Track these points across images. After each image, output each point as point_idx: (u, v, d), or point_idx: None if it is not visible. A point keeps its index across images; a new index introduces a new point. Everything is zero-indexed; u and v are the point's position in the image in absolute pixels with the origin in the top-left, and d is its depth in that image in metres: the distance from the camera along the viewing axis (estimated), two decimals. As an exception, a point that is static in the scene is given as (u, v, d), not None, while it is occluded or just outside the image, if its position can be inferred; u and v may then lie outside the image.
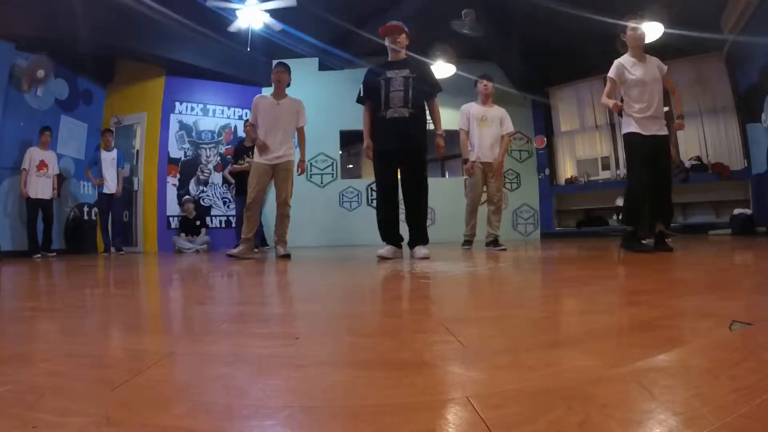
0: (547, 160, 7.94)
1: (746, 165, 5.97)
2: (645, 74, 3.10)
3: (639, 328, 0.88)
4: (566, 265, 2.54)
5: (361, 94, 3.52)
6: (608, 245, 3.34)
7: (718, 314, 0.93)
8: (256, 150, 3.99)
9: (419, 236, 3.40)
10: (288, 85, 4.07)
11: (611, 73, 3.18)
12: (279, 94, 4.02)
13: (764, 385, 0.53)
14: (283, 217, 4.01)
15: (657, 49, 5.71)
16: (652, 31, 5.19)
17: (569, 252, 3.53)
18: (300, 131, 4.08)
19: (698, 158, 6.45)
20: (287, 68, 4.08)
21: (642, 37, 3.16)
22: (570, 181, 7.76)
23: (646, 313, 1.04)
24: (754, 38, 5.02)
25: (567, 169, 7.98)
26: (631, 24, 3.15)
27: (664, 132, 3.15)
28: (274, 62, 4.19)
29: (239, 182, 5.53)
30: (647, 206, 3.16)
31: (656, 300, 1.24)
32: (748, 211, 5.58)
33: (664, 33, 5.15)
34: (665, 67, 3.20)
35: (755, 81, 5.27)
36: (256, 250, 5.38)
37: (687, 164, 6.41)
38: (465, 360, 0.71)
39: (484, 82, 4.60)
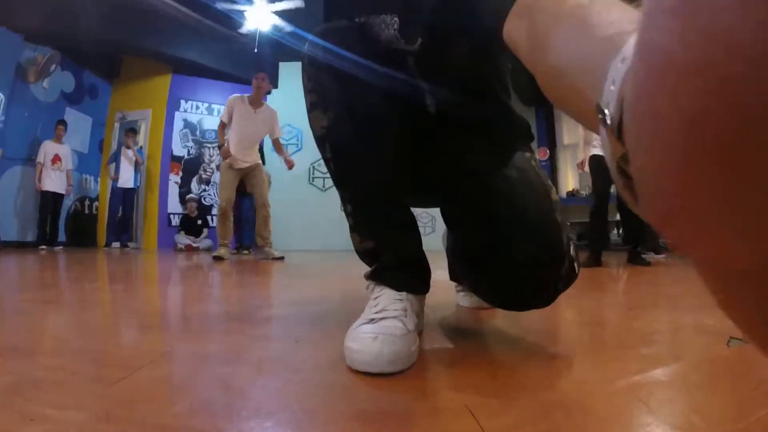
0: (550, 172, 7.95)
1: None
2: None
3: (637, 343, 0.88)
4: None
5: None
6: (609, 259, 3.35)
7: (716, 330, 0.93)
8: (223, 160, 3.89)
9: None
10: (269, 92, 4.06)
11: None
12: (257, 101, 3.91)
13: (762, 400, 0.53)
14: (265, 218, 3.98)
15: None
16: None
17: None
18: (276, 143, 4.04)
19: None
20: (268, 75, 4.05)
21: None
22: (572, 194, 7.76)
23: (644, 328, 1.04)
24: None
25: (569, 182, 7.99)
26: None
27: None
28: (266, 70, 4.26)
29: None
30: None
31: (654, 314, 1.24)
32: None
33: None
34: None
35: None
36: (245, 252, 5.37)
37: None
38: (464, 368, 0.71)
39: None
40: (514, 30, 0.48)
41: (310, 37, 0.83)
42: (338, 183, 0.85)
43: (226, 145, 3.80)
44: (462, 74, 0.87)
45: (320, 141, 0.83)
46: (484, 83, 0.91)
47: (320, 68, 0.80)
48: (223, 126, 3.91)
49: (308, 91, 0.82)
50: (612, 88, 0.18)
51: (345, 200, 0.85)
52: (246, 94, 3.91)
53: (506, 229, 0.78)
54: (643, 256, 3.42)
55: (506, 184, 0.81)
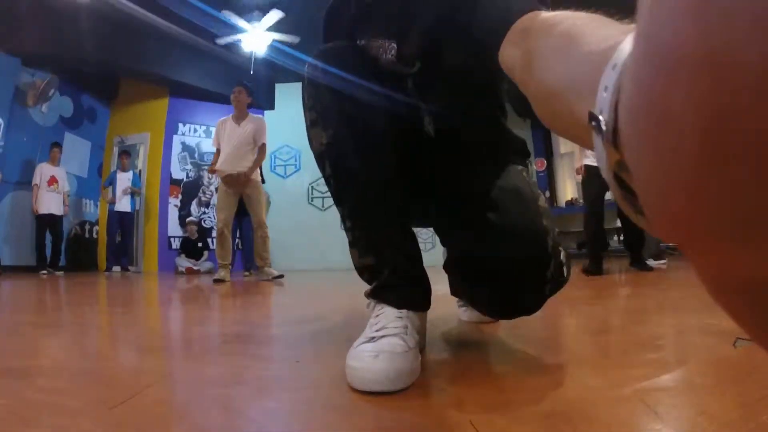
0: (547, 182, 7.97)
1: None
2: None
3: (642, 348, 0.87)
4: (567, 286, 2.53)
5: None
6: (610, 265, 3.34)
7: (721, 331, 0.92)
8: (220, 179, 3.94)
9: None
10: (249, 105, 4.03)
11: None
12: (239, 115, 3.97)
13: (771, 405, 0.52)
14: (263, 239, 3.96)
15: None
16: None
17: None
18: (261, 148, 3.99)
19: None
20: (246, 88, 4.04)
21: None
22: (570, 203, 7.77)
23: (649, 332, 1.03)
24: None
25: (567, 191, 8.01)
26: None
27: None
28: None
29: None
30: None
31: (659, 319, 1.24)
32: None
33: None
34: None
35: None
36: (246, 273, 5.33)
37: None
38: (467, 382, 0.70)
39: None
40: (509, 55, 0.47)
41: (310, 59, 0.83)
42: (338, 199, 0.85)
43: (213, 166, 3.90)
44: (459, 96, 0.87)
45: (320, 158, 0.83)
46: (482, 104, 0.92)
47: (320, 86, 0.81)
48: (217, 152, 3.99)
49: (308, 108, 0.83)
50: (605, 94, 0.17)
51: (344, 216, 0.85)
52: (230, 115, 4.01)
53: (495, 235, 0.79)
54: (652, 262, 3.42)
55: (498, 194, 0.82)
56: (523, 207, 0.80)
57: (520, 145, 0.97)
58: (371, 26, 0.88)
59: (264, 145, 3.98)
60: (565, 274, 0.80)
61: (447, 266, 0.97)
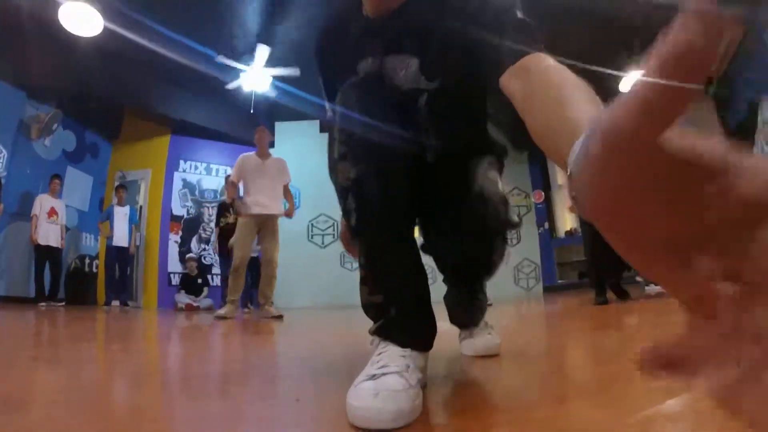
0: (546, 213, 8.00)
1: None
2: None
3: (644, 375, 0.87)
4: (569, 318, 2.51)
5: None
6: (611, 295, 3.31)
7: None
8: (248, 216, 3.95)
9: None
10: (271, 143, 4.17)
11: None
12: (263, 153, 4.08)
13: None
14: (270, 277, 3.92)
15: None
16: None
17: (571, 304, 3.49)
18: (286, 188, 4.14)
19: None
20: (267, 127, 4.22)
21: None
22: (570, 233, 7.78)
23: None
24: (738, 77, 5.25)
25: (566, 222, 8.03)
26: None
27: None
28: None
29: (223, 241, 5.40)
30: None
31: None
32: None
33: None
34: None
35: (743, 118, 5.42)
36: (246, 310, 5.25)
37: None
38: (470, 416, 0.69)
39: None
40: (510, 85, 0.58)
41: (341, 92, 0.86)
42: (357, 233, 0.85)
43: (244, 198, 3.91)
44: (463, 110, 0.97)
45: (344, 191, 0.84)
46: (479, 117, 1.05)
47: (353, 121, 0.83)
48: (232, 185, 4.04)
49: (339, 142, 0.85)
50: (573, 156, 0.25)
51: (361, 251, 0.85)
52: (252, 152, 4.12)
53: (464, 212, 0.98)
54: (647, 288, 3.41)
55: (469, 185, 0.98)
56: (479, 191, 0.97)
57: (499, 149, 1.11)
58: (381, 43, 0.89)
59: (287, 184, 4.16)
60: (509, 218, 0.98)
61: (422, 248, 1.08)
